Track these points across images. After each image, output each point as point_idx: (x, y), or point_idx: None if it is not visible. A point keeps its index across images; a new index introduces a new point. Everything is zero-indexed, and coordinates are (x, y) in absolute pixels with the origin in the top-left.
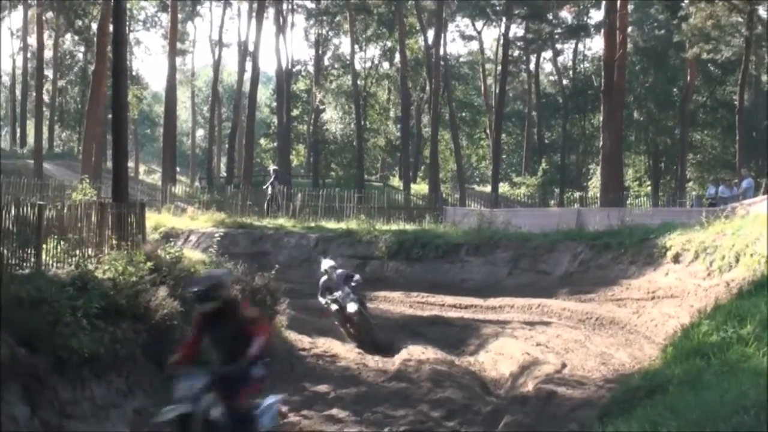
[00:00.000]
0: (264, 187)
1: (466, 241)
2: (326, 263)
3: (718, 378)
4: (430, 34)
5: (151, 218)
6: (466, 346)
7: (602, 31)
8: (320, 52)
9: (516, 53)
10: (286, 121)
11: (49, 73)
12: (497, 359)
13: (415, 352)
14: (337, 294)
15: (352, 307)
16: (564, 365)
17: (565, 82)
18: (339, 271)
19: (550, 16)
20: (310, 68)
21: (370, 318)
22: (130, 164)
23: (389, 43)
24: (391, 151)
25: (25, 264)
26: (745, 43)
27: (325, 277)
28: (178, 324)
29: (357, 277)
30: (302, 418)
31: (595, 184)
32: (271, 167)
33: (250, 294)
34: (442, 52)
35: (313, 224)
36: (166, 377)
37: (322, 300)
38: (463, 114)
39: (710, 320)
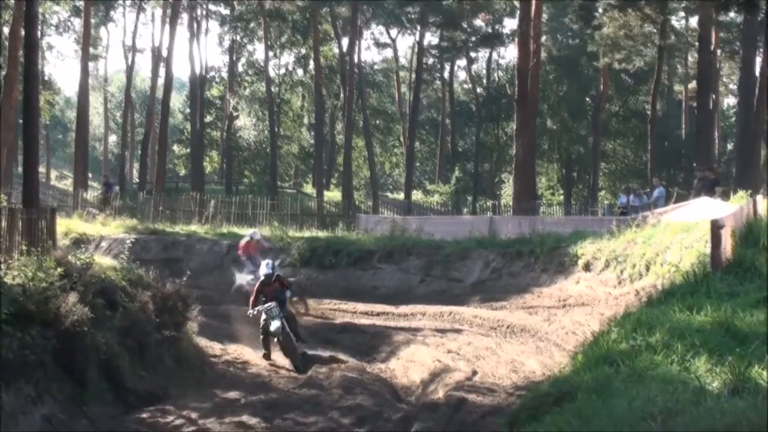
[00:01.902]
0: (98, 194)
1: (378, 248)
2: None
3: (626, 385)
4: (345, 41)
5: (62, 224)
6: (377, 354)
7: (516, 39)
8: (234, 58)
9: (430, 61)
10: (199, 128)
11: None
12: (408, 366)
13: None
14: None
15: (274, 326)
16: (475, 372)
17: (479, 90)
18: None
19: (464, 25)
20: (224, 74)
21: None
22: (42, 169)
23: (304, 50)
24: (304, 158)
25: None
26: (658, 53)
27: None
28: (89, 330)
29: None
30: (212, 425)
31: (508, 193)
32: (103, 177)
33: (161, 300)
34: (356, 59)
35: (225, 231)
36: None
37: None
38: (377, 122)
39: (620, 328)
